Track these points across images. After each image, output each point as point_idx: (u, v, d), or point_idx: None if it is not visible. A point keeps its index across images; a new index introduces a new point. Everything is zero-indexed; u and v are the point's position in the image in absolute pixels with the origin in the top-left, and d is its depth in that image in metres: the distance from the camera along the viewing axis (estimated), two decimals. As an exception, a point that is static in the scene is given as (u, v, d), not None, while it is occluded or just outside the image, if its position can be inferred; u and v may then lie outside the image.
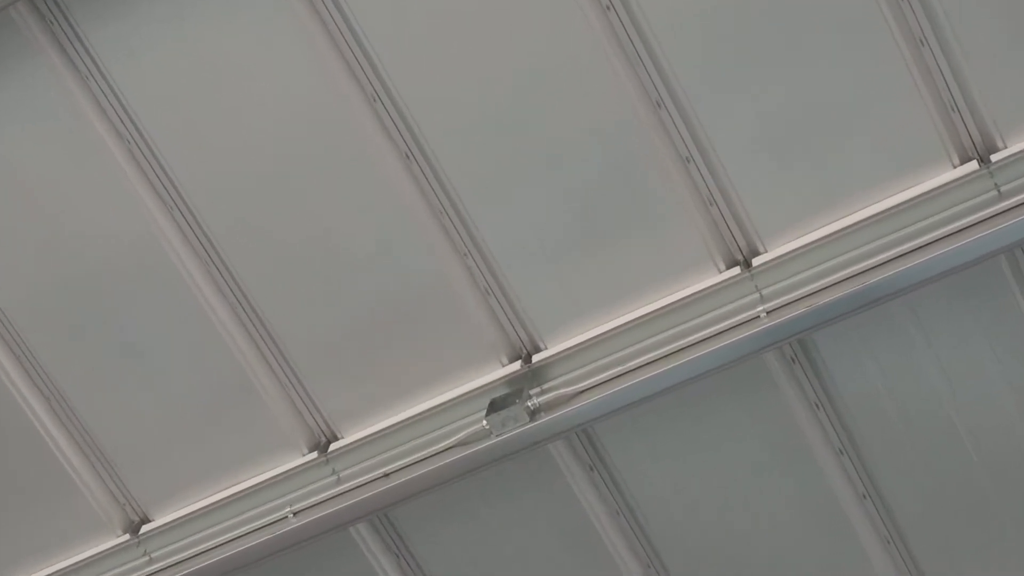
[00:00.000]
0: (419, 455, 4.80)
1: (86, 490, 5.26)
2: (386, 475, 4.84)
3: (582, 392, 4.61)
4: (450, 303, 4.77)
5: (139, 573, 5.12)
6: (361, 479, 4.87)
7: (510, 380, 4.75)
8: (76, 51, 4.66)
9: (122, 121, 4.71)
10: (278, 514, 4.97)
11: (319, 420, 5.07)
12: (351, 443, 4.99)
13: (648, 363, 4.54)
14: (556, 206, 4.59)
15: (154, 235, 4.84)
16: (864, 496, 4.91)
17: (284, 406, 5.04)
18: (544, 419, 4.58)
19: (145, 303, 4.92)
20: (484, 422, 4.61)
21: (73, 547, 5.37)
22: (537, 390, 4.67)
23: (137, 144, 4.75)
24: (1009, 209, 4.24)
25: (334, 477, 4.94)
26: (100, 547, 5.32)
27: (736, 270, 4.58)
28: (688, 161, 4.49)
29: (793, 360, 4.72)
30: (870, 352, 4.70)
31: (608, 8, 4.37)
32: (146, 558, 5.14)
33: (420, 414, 4.89)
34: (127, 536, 5.23)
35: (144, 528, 5.22)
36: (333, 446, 5.03)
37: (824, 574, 5.05)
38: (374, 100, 4.54)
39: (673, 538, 5.09)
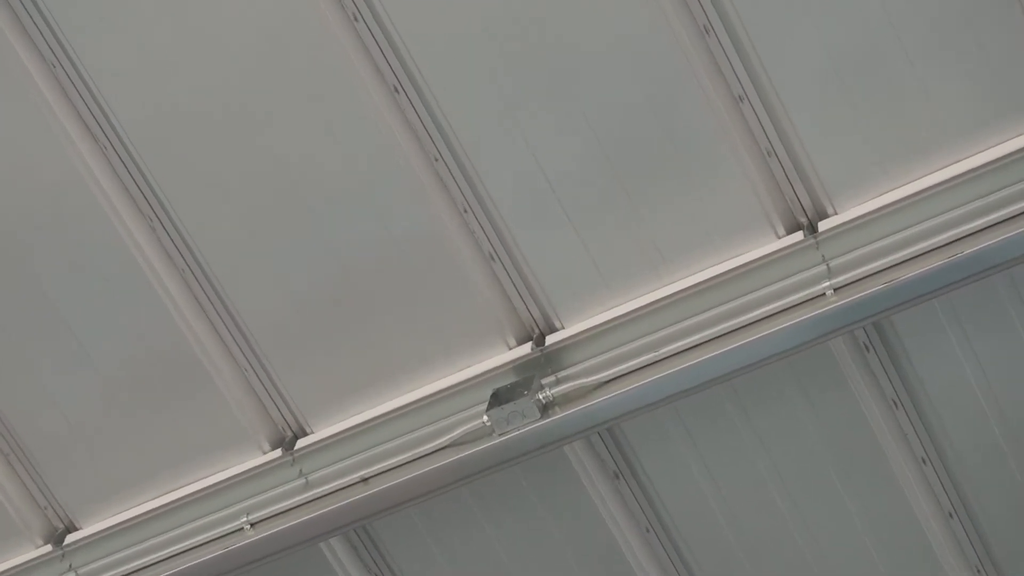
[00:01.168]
0: (405, 456, 4.53)
1: None
2: (364, 480, 4.57)
3: (606, 383, 4.33)
4: (446, 270, 4.53)
5: None
6: (334, 484, 4.61)
7: (518, 366, 4.50)
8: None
9: (46, 41, 4.43)
10: (232, 524, 4.72)
11: (283, 410, 4.82)
12: (323, 439, 4.74)
13: (687, 349, 4.28)
14: (577, 153, 4.33)
15: (82, 177, 4.57)
16: (951, 515, 4.66)
17: (241, 392, 4.79)
18: (559, 415, 4.32)
19: (71, 263, 4.68)
20: (485, 417, 4.34)
21: None
22: (551, 379, 4.40)
23: (64, 68, 4.46)
24: None
25: (301, 480, 4.67)
26: (15, 560, 5.08)
27: (798, 235, 4.32)
28: (741, 100, 4.22)
29: (867, 348, 4.47)
30: (963, 339, 4.44)
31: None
32: (71, 574, 4.89)
33: (407, 406, 4.64)
34: (48, 547, 5.00)
35: (69, 538, 4.99)
36: (300, 442, 4.79)
37: None
38: (355, 19, 4.29)
39: (713, 561, 4.90)
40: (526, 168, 4.37)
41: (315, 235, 4.51)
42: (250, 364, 4.74)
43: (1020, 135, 4.13)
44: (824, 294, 4.13)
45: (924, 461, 4.56)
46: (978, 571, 4.71)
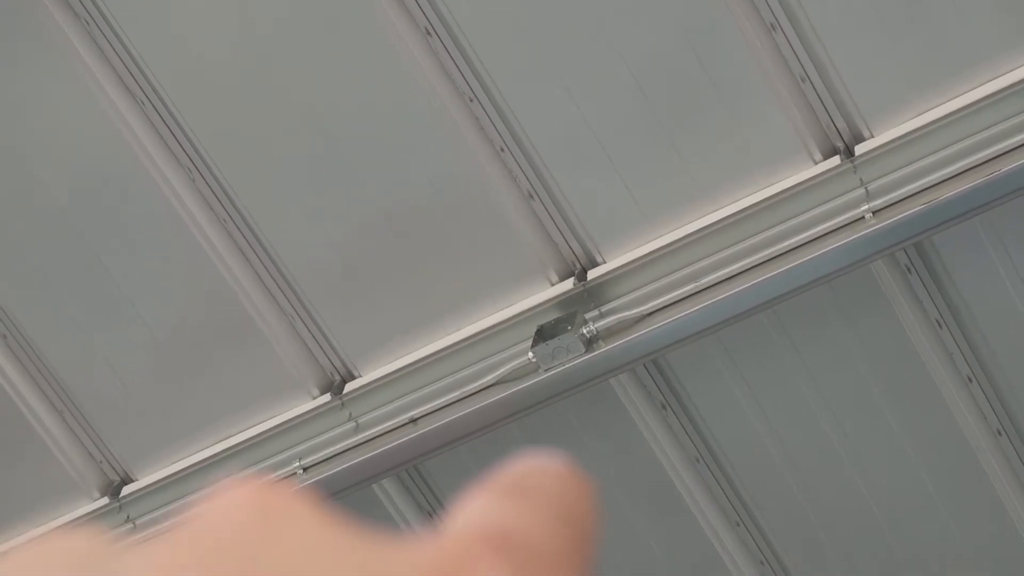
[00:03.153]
0: (452, 396, 4.54)
1: (54, 446, 5.00)
2: (413, 421, 4.59)
3: (650, 315, 4.32)
4: (485, 210, 4.52)
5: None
6: (384, 426, 4.62)
7: (561, 302, 4.49)
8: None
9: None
10: (285, 469, 4.72)
11: (331, 355, 4.80)
12: (370, 383, 4.72)
13: (729, 278, 4.26)
14: (612, 85, 4.28)
15: (124, 138, 4.54)
16: (999, 432, 4.62)
17: (288, 340, 4.76)
18: (604, 349, 4.31)
19: (114, 220, 4.66)
20: (530, 354, 4.34)
21: (40, 513, 5.11)
22: (595, 313, 4.38)
23: (97, 24, 4.41)
24: None
25: (351, 424, 4.68)
26: (72, 513, 5.08)
27: (835, 160, 4.28)
28: (774, 28, 4.17)
29: (909, 269, 4.43)
30: (1005, 258, 4.40)
31: None
32: (129, 525, 4.91)
33: (452, 346, 4.62)
34: (105, 499, 5.01)
35: (125, 490, 4.98)
36: (349, 386, 4.77)
37: (950, 526, 4.81)
38: (385, -37, 4.30)
39: (765, 489, 4.87)
40: (562, 104, 4.31)
41: (353, 181, 4.48)
42: (295, 311, 4.71)
43: (1056, 50, 4.02)
44: (863, 217, 4.10)
45: (970, 380, 4.52)
46: None
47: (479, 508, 0.55)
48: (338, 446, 4.65)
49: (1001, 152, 3.98)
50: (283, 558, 0.50)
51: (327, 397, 4.78)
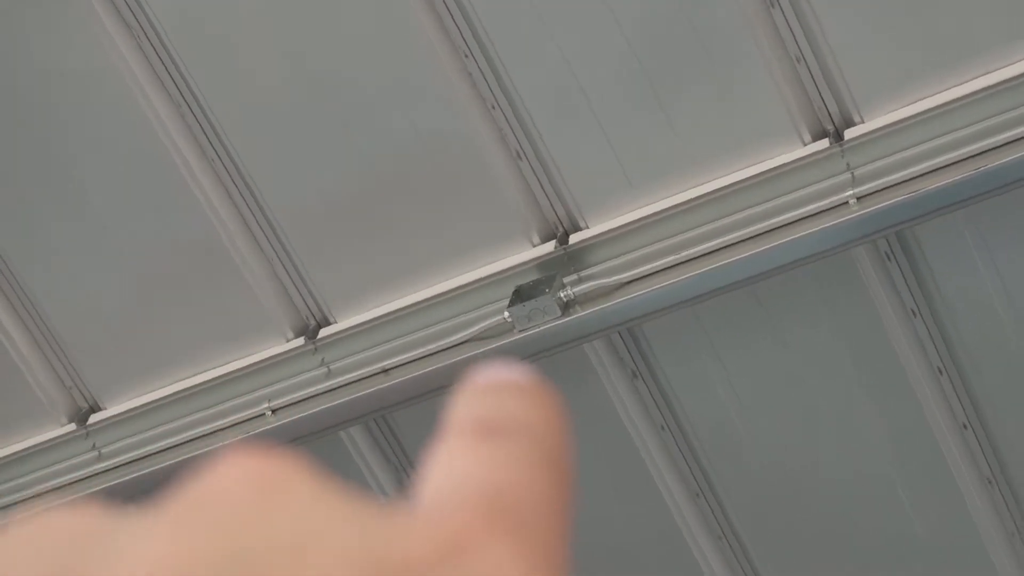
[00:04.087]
0: (425, 349, 4.51)
1: (25, 368, 4.98)
2: (385, 371, 4.57)
3: (628, 283, 4.30)
4: (472, 167, 4.48)
5: (87, 470, 4.90)
6: (355, 374, 4.60)
7: (541, 264, 4.47)
8: None
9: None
10: (254, 410, 4.69)
11: (308, 299, 4.78)
12: (345, 330, 4.70)
13: (709, 252, 4.24)
14: (606, 50, 4.25)
15: (113, 63, 4.50)
16: (965, 426, 4.62)
17: (266, 279, 4.73)
18: (580, 314, 4.28)
19: (101, 150, 4.61)
20: (506, 314, 4.31)
21: (5, 436, 5.11)
22: (574, 278, 4.37)
23: None
24: None
25: (323, 369, 4.67)
26: (40, 436, 5.07)
27: (824, 143, 4.25)
28: (772, 6, 4.14)
29: (888, 257, 4.42)
30: (986, 254, 4.39)
31: None
32: (94, 452, 4.90)
33: (429, 300, 4.60)
34: (72, 426, 4.98)
35: (93, 418, 4.97)
36: (323, 332, 4.75)
37: (909, 513, 4.81)
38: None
39: (725, 460, 4.86)
40: (555, 65, 4.27)
41: (344, 130, 4.44)
42: (276, 253, 4.67)
43: (1051, 48, 4.00)
44: (848, 203, 4.06)
45: (940, 371, 4.51)
46: (990, 482, 4.67)
47: (460, 461, 0.54)
48: (308, 390, 4.62)
49: (988, 148, 3.96)
50: (284, 532, 0.50)
51: (300, 341, 4.75)
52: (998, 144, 3.96)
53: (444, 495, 0.53)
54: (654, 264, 4.26)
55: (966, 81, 4.11)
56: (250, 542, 0.49)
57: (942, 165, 4.01)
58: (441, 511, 0.52)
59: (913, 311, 4.44)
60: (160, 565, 0.48)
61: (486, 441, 0.54)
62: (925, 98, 4.15)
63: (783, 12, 4.11)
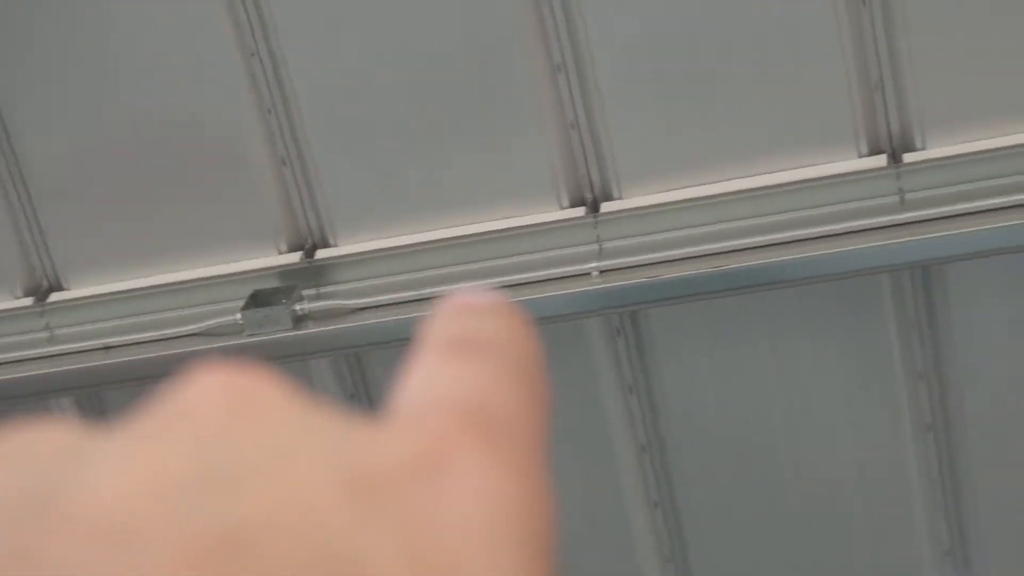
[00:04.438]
0: (151, 334, 4.42)
1: None
2: (107, 348, 4.46)
3: (363, 309, 4.26)
4: (237, 163, 4.41)
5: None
6: (76, 344, 4.48)
7: (284, 273, 4.39)
8: None
9: None
10: None
11: (44, 259, 4.63)
12: (77, 298, 4.56)
13: (439, 294, 3.88)
14: (393, 80, 4.22)
15: None
16: (655, 505, 4.67)
17: (3, 232, 4.58)
18: (310, 330, 4.24)
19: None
20: (239, 315, 4.27)
21: None
22: (312, 292, 4.32)
23: None
24: None
25: (46, 333, 4.54)
26: None
27: (580, 211, 4.27)
28: (559, 70, 4.16)
29: (618, 332, 4.47)
30: (705, 348, 4.44)
31: None
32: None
33: (167, 285, 4.49)
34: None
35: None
36: (54, 296, 4.61)
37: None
38: None
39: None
40: (336, 78, 4.22)
41: (118, 98, 4.31)
42: (20, 205, 4.52)
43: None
44: (590, 273, 4.10)
45: (645, 448, 4.55)
46: (668, 559, 4.68)
47: (436, 374, 0.54)
48: (26, 352, 4.49)
49: (729, 250, 4.02)
50: (261, 446, 0.49)
51: (29, 301, 4.59)
52: (735, 248, 4.03)
53: (421, 406, 0.53)
54: (393, 296, 4.23)
55: (727, 180, 4.14)
56: (227, 457, 0.49)
57: (682, 257, 4.06)
58: (419, 421, 0.52)
59: (631, 387, 4.49)
60: (137, 483, 0.48)
61: (462, 355, 0.55)
62: (685, 188, 4.17)
63: (568, 79, 4.13)
